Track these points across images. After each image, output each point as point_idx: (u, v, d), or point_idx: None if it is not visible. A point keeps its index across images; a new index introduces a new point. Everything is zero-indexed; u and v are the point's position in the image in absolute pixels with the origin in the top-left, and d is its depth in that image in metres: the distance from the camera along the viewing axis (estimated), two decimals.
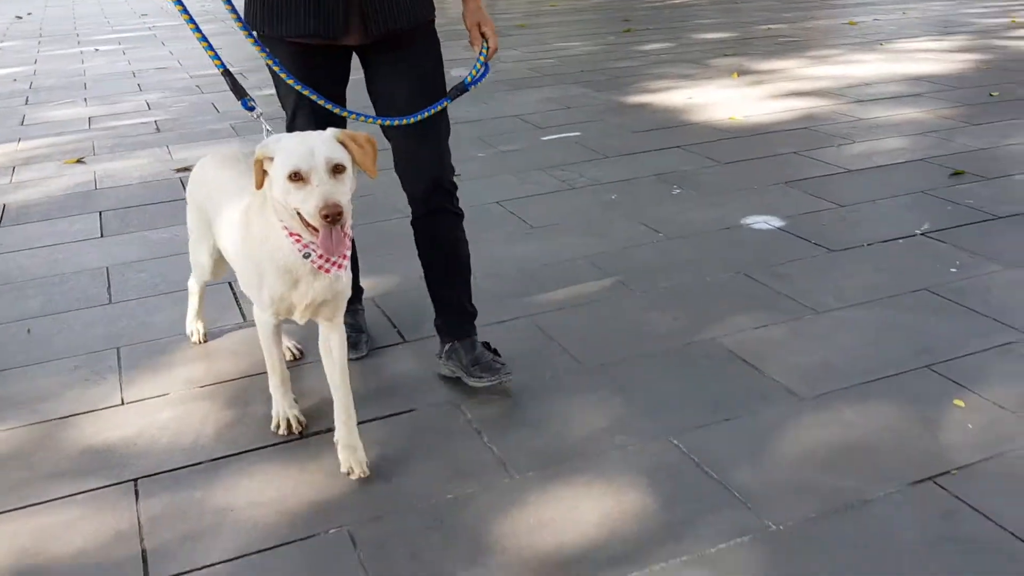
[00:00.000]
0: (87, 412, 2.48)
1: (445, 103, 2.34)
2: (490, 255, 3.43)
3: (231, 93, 1.87)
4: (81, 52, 9.43)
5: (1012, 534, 1.87)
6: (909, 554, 1.82)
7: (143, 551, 1.93)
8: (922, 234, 3.45)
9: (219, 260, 2.54)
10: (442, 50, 2.40)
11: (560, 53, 8.05)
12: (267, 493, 2.10)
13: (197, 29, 2.24)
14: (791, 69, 6.80)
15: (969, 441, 2.19)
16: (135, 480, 2.17)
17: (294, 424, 2.31)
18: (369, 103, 2.41)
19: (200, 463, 2.23)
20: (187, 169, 4.74)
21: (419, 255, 2.54)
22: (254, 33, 2.27)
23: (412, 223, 2.51)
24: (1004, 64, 6.65)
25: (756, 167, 4.40)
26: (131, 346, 2.84)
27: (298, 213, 1.85)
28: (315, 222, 1.81)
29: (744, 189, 4.08)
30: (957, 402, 2.34)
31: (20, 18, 12.30)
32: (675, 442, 2.23)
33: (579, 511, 2.00)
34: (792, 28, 8.93)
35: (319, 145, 1.84)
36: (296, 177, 1.81)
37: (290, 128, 2.39)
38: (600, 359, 2.64)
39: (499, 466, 2.17)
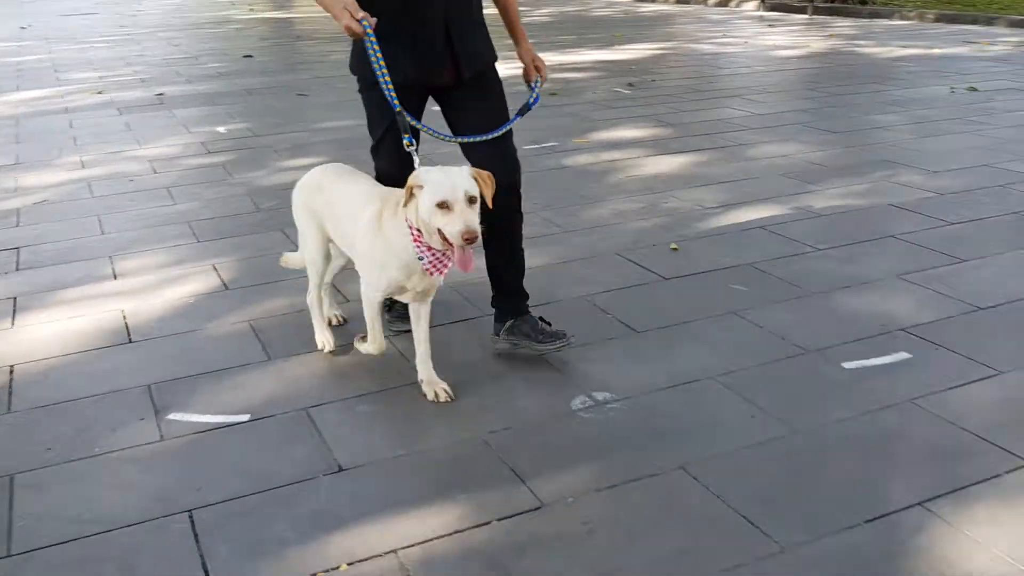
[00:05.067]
0: None
1: (516, 120, 2.81)
2: None
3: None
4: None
5: None
6: None
7: None
8: None
9: (328, 255, 2.93)
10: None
11: None
12: None
13: (382, 71, 2.55)
14: None
15: None
16: None
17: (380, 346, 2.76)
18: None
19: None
20: None
21: (484, 244, 2.84)
22: (386, 76, 2.57)
23: (484, 220, 2.78)
24: None
25: None
26: None
27: (439, 231, 2.35)
28: (456, 242, 2.31)
29: None
30: None
31: (23, 28, 12.98)
32: None
33: None
34: None
35: (460, 180, 2.33)
36: (442, 205, 2.30)
37: (376, 149, 2.81)
38: None
39: None
